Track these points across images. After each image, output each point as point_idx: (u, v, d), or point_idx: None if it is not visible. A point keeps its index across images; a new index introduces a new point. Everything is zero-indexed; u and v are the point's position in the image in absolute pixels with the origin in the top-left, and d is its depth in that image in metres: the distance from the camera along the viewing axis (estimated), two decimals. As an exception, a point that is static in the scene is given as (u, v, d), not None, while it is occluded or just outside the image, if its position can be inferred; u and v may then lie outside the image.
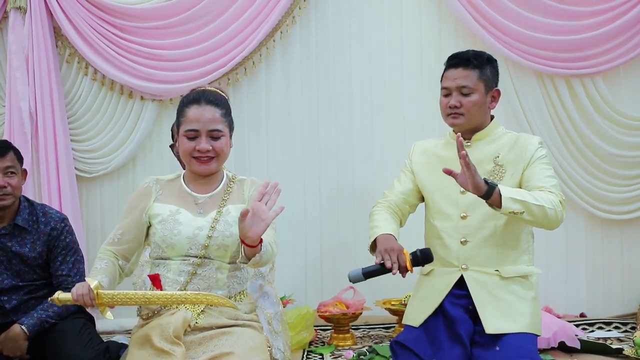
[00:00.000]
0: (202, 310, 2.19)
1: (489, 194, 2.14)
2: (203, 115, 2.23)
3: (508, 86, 3.77)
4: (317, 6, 3.91)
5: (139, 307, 2.30)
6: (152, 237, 2.26)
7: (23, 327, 2.74)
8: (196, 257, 2.20)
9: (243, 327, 2.24)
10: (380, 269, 2.21)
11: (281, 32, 3.86)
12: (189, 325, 2.16)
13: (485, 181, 2.14)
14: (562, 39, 3.70)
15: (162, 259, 2.24)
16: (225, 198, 2.30)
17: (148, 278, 2.32)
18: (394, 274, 2.19)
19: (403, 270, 2.19)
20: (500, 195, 2.14)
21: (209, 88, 2.37)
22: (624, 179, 3.80)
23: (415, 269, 2.25)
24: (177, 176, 2.35)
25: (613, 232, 3.86)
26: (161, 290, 2.20)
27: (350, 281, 2.24)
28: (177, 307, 2.18)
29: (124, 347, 2.92)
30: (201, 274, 2.20)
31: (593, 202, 3.80)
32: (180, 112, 2.29)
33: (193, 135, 2.22)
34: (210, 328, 2.17)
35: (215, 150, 2.24)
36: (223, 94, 2.37)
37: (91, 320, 3.06)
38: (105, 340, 3.05)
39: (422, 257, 2.23)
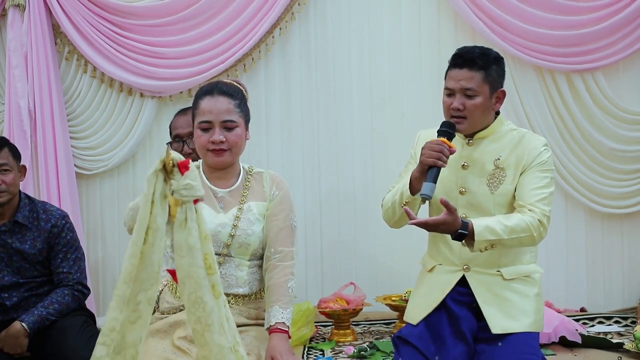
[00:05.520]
0: None
1: (465, 229, 2.17)
2: (215, 106, 2.18)
3: (508, 81, 3.71)
4: (316, 2, 3.90)
5: (157, 303, 2.29)
6: None
7: (23, 324, 2.74)
8: (218, 254, 2.18)
9: (262, 327, 2.23)
10: (436, 169, 2.19)
11: (280, 29, 3.85)
12: None
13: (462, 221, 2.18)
14: (562, 34, 3.69)
15: None
16: (245, 194, 2.26)
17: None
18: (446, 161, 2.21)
19: (449, 154, 2.21)
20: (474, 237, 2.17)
21: (224, 80, 2.33)
22: (624, 174, 3.79)
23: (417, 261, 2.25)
24: (197, 167, 2.31)
25: (613, 227, 3.85)
26: None
27: (427, 199, 2.21)
28: None
29: (124, 344, 2.92)
30: (221, 272, 2.18)
31: (593, 196, 3.79)
32: (194, 105, 2.24)
33: (206, 127, 2.18)
34: None
35: (229, 141, 2.19)
36: (239, 85, 2.31)
37: (92, 317, 3.06)
38: (106, 337, 3.05)
39: (448, 128, 2.26)
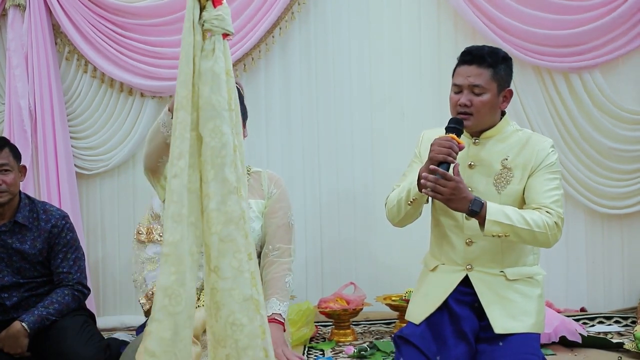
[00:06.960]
0: None
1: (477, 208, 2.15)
2: None
3: (508, 81, 3.76)
4: (316, 2, 3.90)
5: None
6: None
7: (24, 324, 2.74)
8: None
9: None
10: (446, 166, 2.18)
11: (280, 29, 3.85)
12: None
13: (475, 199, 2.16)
14: (559, 33, 3.69)
15: None
16: None
17: (149, 276, 2.31)
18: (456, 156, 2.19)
19: (458, 151, 2.20)
20: (485, 217, 2.15)
21: None
22: (623, 174, 3.79)
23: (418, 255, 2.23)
24: None
25: (613, 227, 3.85)
26: None
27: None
28: (197, 306, 2.18)
29: (124, 344, 2.92)
30: None
31: (593, 197, 3.79)
32: None
33: None
34: None
35: None
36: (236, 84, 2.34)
37: (92, 317, 3.06)
38: (106, 337, 3.06)
39: (456, 125, 2.24)
